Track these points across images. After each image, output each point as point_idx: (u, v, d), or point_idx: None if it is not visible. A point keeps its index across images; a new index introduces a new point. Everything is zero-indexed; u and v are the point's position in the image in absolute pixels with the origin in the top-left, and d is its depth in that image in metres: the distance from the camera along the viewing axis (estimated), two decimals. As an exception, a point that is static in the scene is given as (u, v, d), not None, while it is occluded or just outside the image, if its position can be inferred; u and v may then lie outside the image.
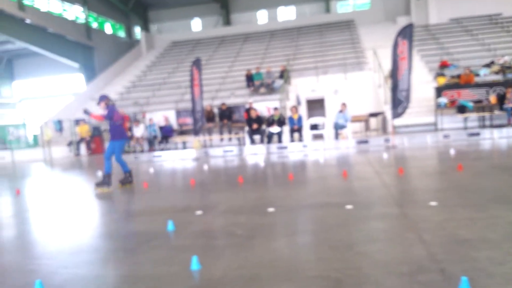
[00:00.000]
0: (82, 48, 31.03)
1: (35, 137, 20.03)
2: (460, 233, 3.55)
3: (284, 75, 19.28)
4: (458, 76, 16.95)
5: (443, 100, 14.93)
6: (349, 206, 4.76)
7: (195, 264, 3.16)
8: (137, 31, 36.94)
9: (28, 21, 26.33)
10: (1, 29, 25.25)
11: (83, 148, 19.08)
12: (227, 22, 33.94)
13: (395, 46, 11.64)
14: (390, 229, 3.86)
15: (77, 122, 19.34)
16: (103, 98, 7.65)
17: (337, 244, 3.47)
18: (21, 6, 25.81)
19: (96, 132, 19.07)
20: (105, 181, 7.49)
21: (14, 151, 19.45)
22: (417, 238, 3.49)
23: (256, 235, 3.96)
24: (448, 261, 2.93)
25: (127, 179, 7.80)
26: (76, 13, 31.43)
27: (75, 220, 5.43)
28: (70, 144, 19.28)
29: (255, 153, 13.28)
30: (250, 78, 20.33)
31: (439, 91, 15.28)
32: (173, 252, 3.67)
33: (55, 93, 34.62)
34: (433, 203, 4.63)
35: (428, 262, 2.94)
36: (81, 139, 18.91)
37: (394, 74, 11.76)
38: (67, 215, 5.73)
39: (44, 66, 34.04)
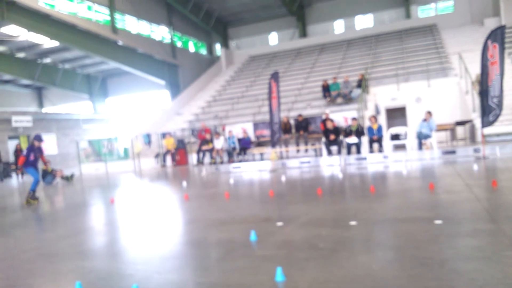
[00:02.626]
0: (168, 66, 33.04)
1: (126, 149, 21.62)
2: None
3: (362, 84, 18.86)
4: (559, 80, 15.36)
5: (542, 106, 13.60)
6: (438, 221, 4.52)
7: (279, 275, 3.21)
8: (218, 48, 38.53)
9: (120, 43, 28.69)
10: (97, 51, 27.79)
11: (168, 159, 20.18)
12: (303, 34, 34.11)
13: (485, 50, 10.87)
14: (485, 247, 3.60)
15: (164, 135, 20.55)
16: (37, 139, 10.06)
17: (427, 261, 3.31)
18: (114, 30, 28.21)
19: (180, 145, 20.10)
20: (33, 196, 9.70)
21: (107, 162, 21.15)
22: (517, 258, 3.22)
23: (340, 248, 3.92)
24: (556, 284, 2.67)
25: (30, 196, 9.68)
26: (163, 34, 33.58)
27: (164, 227, 5.77)
28: (157, 156, 20.51)
29: (332, 165, 13.10)
30: (326, 89, 20.18)
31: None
32: (257, 262, 3.76)
33: (144, 109, 37.11)
34: (534, 220, 4.24)
35: (532, 285, 2.70)
36: (167, 151, 20.02)
37: (484, 80, 10.98)
38: (157, 222, 6.11)
39: (133, 83, 36.72)
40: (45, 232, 6.28)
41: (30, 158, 9.86)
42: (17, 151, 21.38)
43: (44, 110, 37.33)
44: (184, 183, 11.11)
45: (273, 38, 36.38)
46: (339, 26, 33.92)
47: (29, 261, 4.49)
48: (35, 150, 9.95)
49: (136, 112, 36.99)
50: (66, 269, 4.09)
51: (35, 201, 9.65)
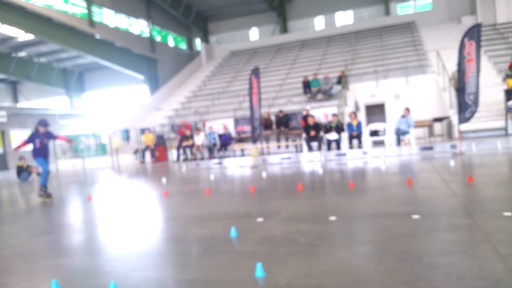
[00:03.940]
0: (147, 60, 32.60)
1: (104, 145, 21.26)
2: (542, 246, 3.30)
3: (342, 80, 19.01)
4: (532, 77, 15.77)
5: (515, 103, 13.96)
6: (415, 216, 4.59)
7: (259, 271, 3.20)
8: (198, 42, 38.22)
9: (97, 36, 28.15)
10: (74, 45, 27.20)
11: (148, 156, 19.95)
12: (284, 29, 34.15)
13: (462, 47, 11.09)
14: (461, 241, 3.67)
15: (143, 131, 20.29)
16: (41, 124, 8.94)
17: (405, 256, 3.35)
18: (92, 23, 27.65)
19: (160, 141, 19.89)
20: (45, 193, 8.72)
21: (85, 159, 20.78)
22: (492, 251, 3.29)
23: (320, 243, 3.94)
24: (529, 276, 2.74)
25: (41, 192, 8.72)
26: (141, 28, 33.09)
27: (143, 224, 5.70)
28: (136, 152, 20.25)
29: (313, 161, 13.18)
30: (307, 85, 20.28)
31: (509, 94, 14.28)
32: (237, 258, 3.75)
33: (122, 104, 36.58)
34: (507, 214, 4.34)
35: (506, 277, 2.77)
36: (146, 147, 19.79)
37: (461, 77, 11.21)
38: (135, 219, 6.03)
39: (111, 78, 36.11)
40: (21, 229, 6.12)
41: (36, 145, 8.75)
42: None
43: (19, 105, 36.41)
44: (164, 180, 11.00)
45: (254, 34, 36.30)
46: (319, 22, 34.08)
47: (4, 259, 4.37)
48: (40, 136, 8.82)
49: (114, 107, 36.42)
50: (42, 267, 4.00)
51: (48, 199, 8.61)
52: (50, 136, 9.12)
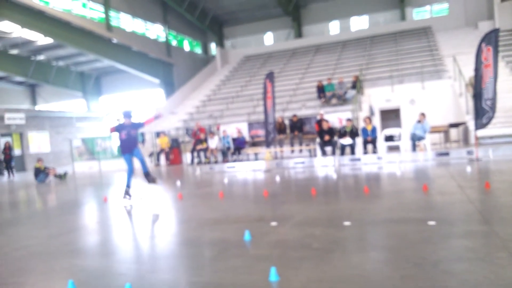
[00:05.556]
0: (163, 64, 32.92)
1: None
2: (561, 255, 3.24)
3: (356, 85, 18.92)
4: (552, 83, 15.50)
5: (535, 109, 13.71)
6: (431, 222, 4.54)
7: (273, 275, 3.21)
8: (213, 47, 38.46)
9: (114, 41, 28.54)
10: (91, 49, 27.62)
11: (162, 158, 20.11)
12: (299, 34, 34.15)
13: (479, 52, 10.95)
14: (478, 248, 3.62)
15: (158, 134, 20.46)
16: (124, 115, 8.40)
17: (420, 262, 3.32)
18: (109, 27, 28.06)
19: (175, 144, 20.03)
20: (126, 192, 8.24)
21: (101, 161, 21.03)
22: (509, 258, 3.24)
23: (334, 248, 3.92)
24: (548, 285, 2.69)
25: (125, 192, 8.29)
26: (158, 32, 33.46)
27: (157, 226, 5.75)
28: (151, 155, 20.43)
29: (327, 165, 13.12)
30: (321, 89, 20.22)
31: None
32: (251, 261, 3.75)
33: (138, 107, 36.91)
34: (527, 222, 4.28)
35: (524, 286, 2.72)
36: (161, 150, 19.95)
37: (477, 82, 11.06)
38: (151, 221, 6.08)
39: (128, 82, 36.51)
40: (37, 230, 6.23)
41: (122, 136, 8.20)
42: (5, 149, 21.16)
43: (37, 107, 37.04)
44: (178, 183, 11.07)
45: (269, 38, 36.39)
46: (334, 27, 34.00)
47: (21, 259, 4.45)
48: (126, 127, 8.23)
49: (130, 111, 36.72)
50: (59, 267, 4.06)
51: (127, 197, 8.15)
52: (137, 126, 8.50)
